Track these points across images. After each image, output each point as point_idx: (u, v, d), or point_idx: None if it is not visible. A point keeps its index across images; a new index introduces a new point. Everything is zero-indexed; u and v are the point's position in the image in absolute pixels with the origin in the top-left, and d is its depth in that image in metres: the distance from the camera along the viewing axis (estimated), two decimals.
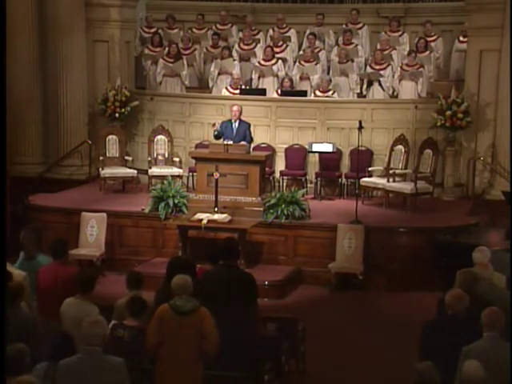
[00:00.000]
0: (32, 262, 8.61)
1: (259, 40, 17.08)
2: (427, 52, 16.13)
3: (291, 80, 15.73)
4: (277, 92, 15.62)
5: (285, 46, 16.73)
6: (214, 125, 13.70)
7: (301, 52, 16.80)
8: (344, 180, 14.87)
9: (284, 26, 17.30)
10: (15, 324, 6.71)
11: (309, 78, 15.94)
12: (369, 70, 15.96)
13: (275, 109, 15.19)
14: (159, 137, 15.23)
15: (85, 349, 6.21)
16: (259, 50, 16.76)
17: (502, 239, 8.81)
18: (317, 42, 16.77)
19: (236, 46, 16.81)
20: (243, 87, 15.82)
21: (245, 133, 13.63)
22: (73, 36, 15.42)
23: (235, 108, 13.78)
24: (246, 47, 16.78)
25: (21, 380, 5.64)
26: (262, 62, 16.18)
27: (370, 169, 14.55)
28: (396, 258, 12.47)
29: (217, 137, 13.67)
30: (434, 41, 16.59)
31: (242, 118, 13.76)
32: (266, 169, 14.06)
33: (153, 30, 17.32)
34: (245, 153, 13.24)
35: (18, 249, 8.95)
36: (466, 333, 6.56)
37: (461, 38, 16.44)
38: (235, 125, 13.67)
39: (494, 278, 8.03)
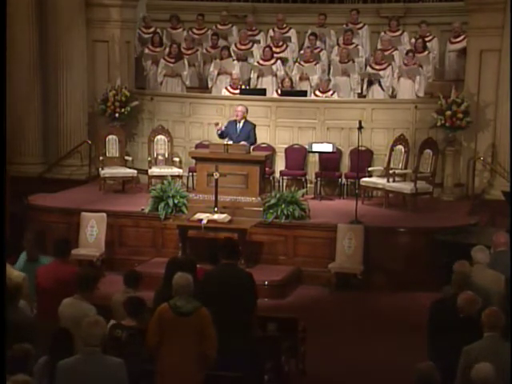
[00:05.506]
0: (34, 264, 8.60)
1: (259, 41, 17.04)
2: (426, 52, 16.08)
3: (291, 80, 15.72)
4: (277, 92, 15.62)
5: (285, 46, 16.70)
6: (216, 124, 13.68)
7: (301, 52, 16.77)
8: (344, 180, 14.86)
9: (284, 26, 17.25)
10: (12, 324, 6.70)
11: (308, 79, 15.93)
12: (369, 70, 15.94)
13: (275, 109, 15.18)
14: (159, 137, 15.23)
15: (84, 349, 6.20)
16: (256, 50, 16.73)
17: (507, 240, 8.75)
18: (317, 42, 16.74)
19: (233, 46, 16.77)
20: (243, 87, 15.81)
21: (248, 133, 13.61)
22: (73, 36, 15.41)
23: (239, 108, 13.75)
24: (242, 47, 16.75)
25: (16, 379, 5.63)
26: (261, 62, 16.17)
27: (369, 169, 14.54)
28: (396, 257, 12.46)
29: (221, 136, 13.67)
30: (429, 41, 16.52)
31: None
32: (266, 169, 14.05)
33: (151, 30, 17.28)
34: (245, 153, 13.24)
35: (17, 249, 8.94)
36: (477, 334, 6.53)
37: (452, 39, 16.34)
38: (239, 125, 13.67)
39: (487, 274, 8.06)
